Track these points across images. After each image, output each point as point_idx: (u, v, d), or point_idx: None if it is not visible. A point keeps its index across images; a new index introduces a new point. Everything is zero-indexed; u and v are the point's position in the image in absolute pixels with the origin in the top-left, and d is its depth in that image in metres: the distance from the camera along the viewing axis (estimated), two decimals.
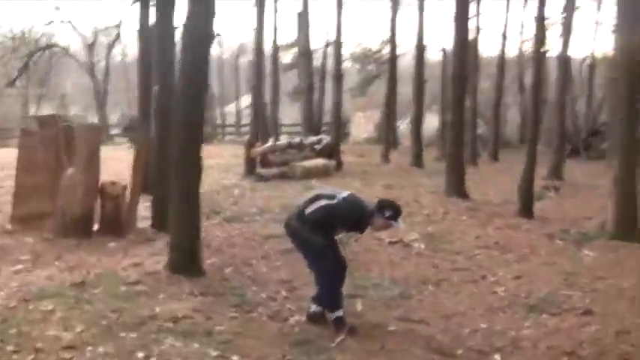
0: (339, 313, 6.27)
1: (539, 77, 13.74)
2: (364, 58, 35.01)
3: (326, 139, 20.97)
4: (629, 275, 8.46)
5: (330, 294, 6.28)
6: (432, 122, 38.86)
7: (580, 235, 10.93)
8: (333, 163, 19.80)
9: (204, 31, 7.67)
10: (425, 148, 23.91)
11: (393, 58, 25.72)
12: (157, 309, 6.46)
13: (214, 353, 5.50)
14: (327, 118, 29.92)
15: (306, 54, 25.08)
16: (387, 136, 25.65)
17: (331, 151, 20.35)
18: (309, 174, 18.17)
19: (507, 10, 28.95)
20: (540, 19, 12.82)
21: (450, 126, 14.99)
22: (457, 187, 14.53)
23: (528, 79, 38.79)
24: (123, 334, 5.76)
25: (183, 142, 7.76)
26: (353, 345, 5.92)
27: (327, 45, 27.16)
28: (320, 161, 19.24)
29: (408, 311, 7.03)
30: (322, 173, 18.66)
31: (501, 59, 28.18)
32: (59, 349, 5.36)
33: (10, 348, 5.31)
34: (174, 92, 8.58)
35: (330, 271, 6.22)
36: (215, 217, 11.43)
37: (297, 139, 20.43)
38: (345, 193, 6.24)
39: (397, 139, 31.27)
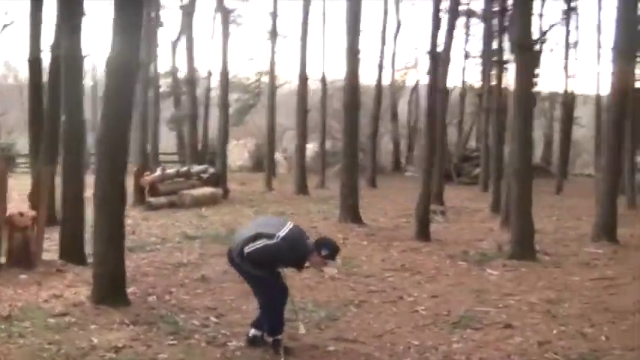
0: (278, 336, 6.40)
1: (434, 108, 14.39)
2: (242, 87, 35.26)
3: (211, 168, 21.06)
4: (534, 291, 9.07)
5: (272, 319, 6.42)
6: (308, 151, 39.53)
7: (480, 255, 11.53)
8: (220, 191, 19.94)
9: (131, 60, 7.67)
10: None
11: (273, 88, 26.06)
12: (94, 340, 6.41)
13: None
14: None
15: (190, 81, 25.02)
16: (268, 165, 25.92)
17: (217, 180, 20.45)
18: (197, 202, 18.28)
19: (383, 42, 29.93)
20: (433, 53, 13.48)
21: (343, 154, 15.42)
22: (352, 214, 14.95)
23: (401, 108, 40.41)
24: None
25: (109, 172, 7.70)
26: None
27: (210, 74, 27.17)
28: (208, 189, 19.37)
29: (339, 332, 7.23)
30: (210, 201, 18.81)
31: (378, 89, 29.07)
32: None
33: None
34: (84, 121, 8.54)
35: (273, 299, 6.37)
36: None
37: (184, 168, 20.37)
38: (285, 230, 6.22)
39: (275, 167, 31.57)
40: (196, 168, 20.61)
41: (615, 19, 13.21)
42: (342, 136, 15.68)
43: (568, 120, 30.87)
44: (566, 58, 29.69)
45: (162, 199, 17.91)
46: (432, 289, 9.24)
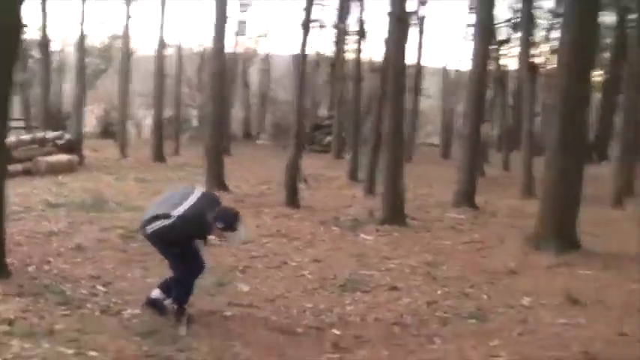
0: (184, 305, 6.33)
1: (303, 79, 14.47)
2: (95, 51, 33.91)
3: (67, 134, 20.22)
4: (412, 254, 9.43)
5: (182, 289, 6.32)
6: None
7: (351, 221, 11.80)
8: (76, 158, 19.22)
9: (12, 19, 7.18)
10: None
11: (128, 53, 25.24)
12: None
13: (70, 351, 5.31)
14: None
15: (43, 44, 23.75)
16: (122, 131, 25.18)
17: (73, 146, 19.67)
18: (53, 169, 17.55)
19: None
20: (306, 24, 13.50)
21: (210, 121, 15.24)
22: (218, 180, 14.85)
23: (253, 77, 40.32)
24: None
25: None
26: (202, 331, 6.04)
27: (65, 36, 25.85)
28: (64, 156, 18.61)
29: (232, 297, 7.22)
30: (67, 168, 18.10)
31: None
32: None
33: None
34: None
35: (187, 275, 6.29)
36: None
37: (40, 134, 19.40)
38: (185, 206, 6.10)
39: None
40: (51, 134, 19.66)
41: None
42: (211, 103, 15.45)
43: (416, 91, 31.89)
44: (421, 32, 30.60)
45: (18, 167, 17.00)
46: (312, 253, 9.38)
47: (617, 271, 8.67)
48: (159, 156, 22.54)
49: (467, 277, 8.27)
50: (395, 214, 11.49)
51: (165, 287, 6.41)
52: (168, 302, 6.38)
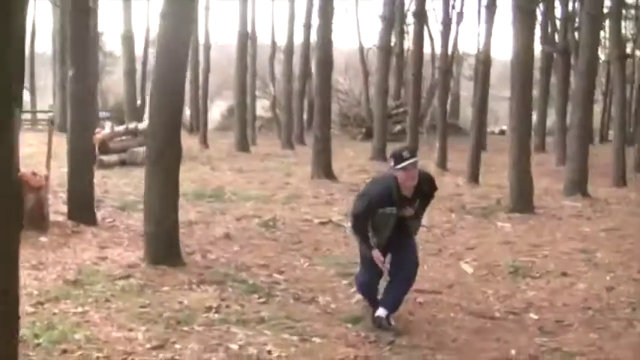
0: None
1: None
2: None
3: None
4: (558, 242, 9.46)
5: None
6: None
7: (482, 209, 11.84)
8: None
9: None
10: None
11: (207, 45, 25.52)
12: (184, 301, 6.20)
13: (295, 338, 5.45)
14: None
15: (128, 37, 24.16)
16: (203, 121, 25.36)
17: None
18: None
19: None
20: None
21: (317, 111, 15.38)
22: (326, 170, 14.99)
23: None
24: (186, 328, 5.52)
25: (165, 130, 7.47)
26: (406, 316, 6.18)
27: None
28: None
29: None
30: None
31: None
32: (149, 348, 5.04)
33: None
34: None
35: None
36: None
37: (132, 125, 19.73)
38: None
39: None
40: (142, 125, 19.97)
41: None
42: (317, 94, 15.59)
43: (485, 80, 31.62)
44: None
45: (114, 157, 17.37)
46: (461, 241, 9.47)
47: None
48: (244, 146, 22.72)
49: (627, 263, 8.26)
50: (524, 202, 11.51)
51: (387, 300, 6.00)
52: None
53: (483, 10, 18.46)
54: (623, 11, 23.89)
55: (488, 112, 38.78)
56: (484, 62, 17.60)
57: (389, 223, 5.76)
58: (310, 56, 26.13)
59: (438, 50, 25.64)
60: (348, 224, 5.97)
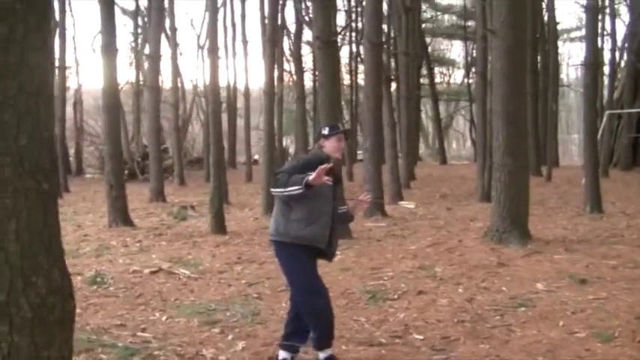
0: None
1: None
2: None
3: None
4: (396, 261, 9.77)
5: None
6: None
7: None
8: None
9: None
10: None
11: None
12: None
13: None
14: None
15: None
16: None
17: None
18: None
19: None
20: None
21: (108, 157, 14.62)
22: (123, 217, 14.37)
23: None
24: None
25: None
26: None
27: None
28: None
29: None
30: None
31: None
32: None
33: None
34: None
35: None
36: None
37: None
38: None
39: None
40: None
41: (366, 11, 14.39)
42: (105, 138, 14.84)
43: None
44: None
45: None
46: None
47: None
48: None
49: (467, 274, 8.84)
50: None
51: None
52: None
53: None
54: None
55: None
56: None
57: (327, 194, 5.40)
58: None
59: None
60: (273, 189, 5.41)
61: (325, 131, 5.63)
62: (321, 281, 5.55)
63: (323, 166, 4.99)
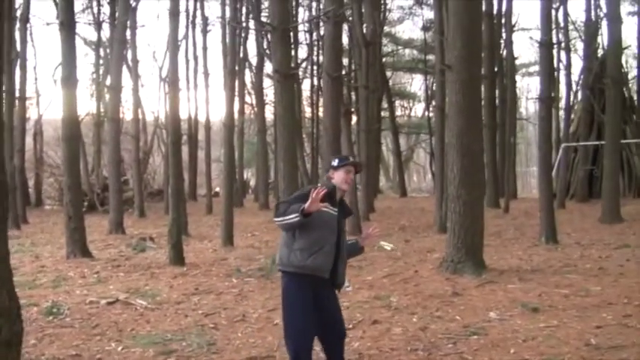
0: None
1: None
2: None
3: None
4: (352, 291, 9.86)
5: None
6: None
7: (258, 270, 11.94)
8: None
9: None
10: None
11: None
12: None
13: None
14: None
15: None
16: None
17: None
18: None
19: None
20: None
21: (67, 188, 14.58)
22: (82, 248, 14.31)
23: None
24: None
25: None
26: None
27: None
28: None
29: None
30: None
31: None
32: None
33: None
34: None
35: None
36: None
37: None
38: None
39: None
40: None
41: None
42: (64, 170, 14.81)
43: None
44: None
45: None
46: (260, 304, 9.51)
47: None
48: None
49: (422, 304, 8.98)
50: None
51: None
52: None
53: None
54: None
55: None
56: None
57: (330, 223, 5.41)
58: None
59: None
60: (274, 219, 5.43)
61: (335, 162, 5.67)
62: (312, 322, 5.40)
63: (316, 192, 5.05)
